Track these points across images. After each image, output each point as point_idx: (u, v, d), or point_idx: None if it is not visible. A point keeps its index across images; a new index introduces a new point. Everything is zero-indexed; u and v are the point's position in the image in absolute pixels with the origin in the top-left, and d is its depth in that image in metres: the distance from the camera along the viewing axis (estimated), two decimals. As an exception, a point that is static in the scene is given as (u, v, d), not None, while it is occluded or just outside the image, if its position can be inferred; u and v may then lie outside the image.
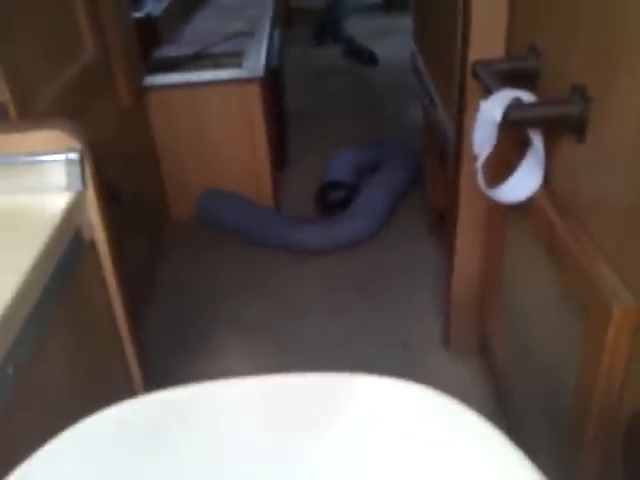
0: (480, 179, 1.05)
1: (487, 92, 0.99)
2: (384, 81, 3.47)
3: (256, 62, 2.09)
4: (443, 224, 1.78)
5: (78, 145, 0.94)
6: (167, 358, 1.61)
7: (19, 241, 0.83)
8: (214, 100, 2.06)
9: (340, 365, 1.66)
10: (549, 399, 1.06)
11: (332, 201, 2.23)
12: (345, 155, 2.42)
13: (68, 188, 0.94)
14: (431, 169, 2.05)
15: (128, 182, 1.74)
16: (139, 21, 2.26)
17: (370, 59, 3.71)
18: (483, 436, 0.60)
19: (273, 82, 2.32)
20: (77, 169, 0.94)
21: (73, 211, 0.92)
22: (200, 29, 2.71)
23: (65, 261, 0.89)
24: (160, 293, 1.89)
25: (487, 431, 0.60)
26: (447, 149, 1.49)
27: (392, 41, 3.84)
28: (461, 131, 1.25)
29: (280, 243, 2.06)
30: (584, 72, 0.85)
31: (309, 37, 4.12)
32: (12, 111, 1.13)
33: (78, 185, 0.94)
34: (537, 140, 0.94)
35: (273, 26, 2.60)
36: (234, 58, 2.17)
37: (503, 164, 1.08)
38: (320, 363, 1.57)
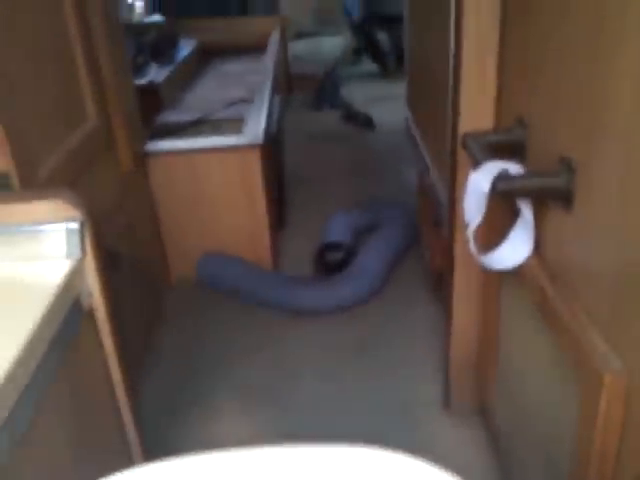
0: (472, 246, 1.07)
1: (476, 163, 1.02)
2: (381, 145, 3.56)
3: (256, 129, 2.16)
4: (441, 285, 1.80)
5: (78, 214, 0.96)
6: (165, 423, 1.59)
7: (19, 309, 0.84)
8: (214, 166, 2.12)
9: (339, 429, 1.65)
10: (549, 463, 1.05)
11: (331, 262, 2.26)
12: (343, 217, 2.46)
13: (68, 256, 0.96)
14: (427, 231, 2.08)
15: (128, 246, 1.77)
16: (142, 88, 2.34)
17: (367, 123, 3.82)
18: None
19: (273, 147, 2.38)
20: (77, 238, 0.96)
21: (72, 279, 0.94)
22: (201, 96, 2.81)
23: (64, 329, 0.89)
24: (159, 357, 1.88)
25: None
26: (441, 214, 1.52)
27: (388, 106, 3.97)
28: (454, 199, 1.28)
29: (279, 304, 2.07)
30: (569, 144, 0.88)
31: (308, 102, 4.25)
32: (15, 180, 1.16)
33: (77, 253, 0.96)
34: (526, 209, 0.97)
35: (273, 92, 2.69)
36: (235, 124, 2.24)
37: (494, 232, 1.10)
38: (319, 427, 1.57)
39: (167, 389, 1.74)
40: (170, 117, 2.44)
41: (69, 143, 1.43)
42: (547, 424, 1.04)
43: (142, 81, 2.49)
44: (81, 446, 0.96)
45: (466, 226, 1.08)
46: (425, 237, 2.15)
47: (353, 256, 2.22)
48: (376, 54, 4.78)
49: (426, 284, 2.13)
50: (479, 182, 0.96)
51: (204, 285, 2.21)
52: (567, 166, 0.88)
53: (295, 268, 2.31)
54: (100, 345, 1.06)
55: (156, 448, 1.41)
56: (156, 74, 2.69)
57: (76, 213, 0.96)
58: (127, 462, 1.14)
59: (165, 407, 1.66)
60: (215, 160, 2.11)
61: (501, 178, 0.93)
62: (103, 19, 1.63)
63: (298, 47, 4.85)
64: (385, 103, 4.09)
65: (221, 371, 1.80)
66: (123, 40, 1.86)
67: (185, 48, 3.28)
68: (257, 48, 3.53)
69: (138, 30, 3.04)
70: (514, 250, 1.00)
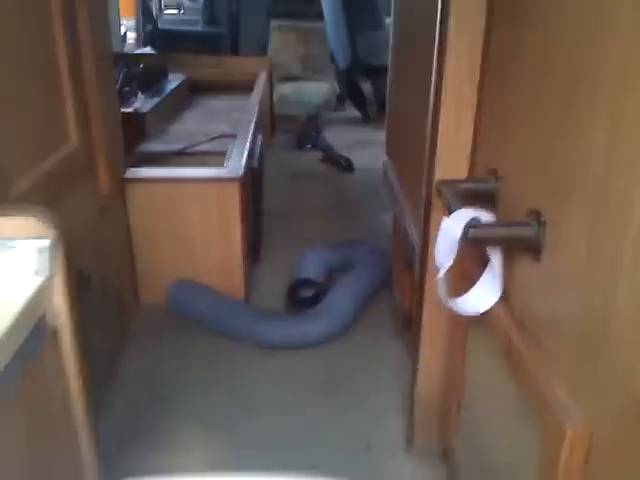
0: (441, 291, 1.08)
1: (449, 210, 1.05)
2: (358, 187, 3.62)
3: (237, 163, 2.18)
4: (409, 326, 1.81)
5: (50, 233, 0.95)
6: (124, 452, 1.54)
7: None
8: (193, 196, 2.13)
9: (300, 466, 1.62)
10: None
11: (302, 298, 2.26)
12: (317, 254, 2.48)
13: (36, 274, 0.95)
14: (399, 273, 2.10)
15: (100, 268, 1.75)
16: (127, 115, 2.36)
17: (347, 166, 3.89)
18: None
19: (252, 182, 2.40)
20: (47, 256, 0.95)
21: (39, 297, 0.92)
22: (186, 128, 2.84)
23: (26, 346, 0.87)
24: (123, 382, 1.84)
25: None
26: (413, 258, 1.54)
27: (368, 151, 4.05)
28: (426, 242, 1.31)
29: (247, 336, 2.05)
30: (539, 198, 0.91)
31: (291, 142, 4.32)
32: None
33: (46, 272, 0.95)
34: (495, 257, 0.99)
35: (256, 130, 2.73)
36: (217, 158, 2.27)
37: (464, 277, 1.12)
38: (280, 462, 1.54)
39: (126, 416, 1.70)
40: (153, 146, 2.45)
41: (48, 162, 1.43)
42: (508, 470, 1.04)
43: (128, 109, 2.52)
44: (36, 468, 0.93)
45: (436, 270, 1.10)
46: (397, 279, 2.17)
47: (324, 294, 2.22)
48: (359, 101, 4.90)
49: (395, 326, 2.15)
50: (451, 228, 0.99)
51: (174, 312, 2.19)
52: (536, 218, 0.90)
53: (267, 302, 2.31)
54: (62, 366, 1.03)
55: (109, 475, 1.38)
56: (142, 104, 2.72)
57: (48, 231, 0.96)
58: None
59: (122, 435, 1.61)
60: (194, 190, 2.12)
61: (472, 225, 0.96)
62: (92, 41, 1.66)
63: (284, 89, 4.96)
64: (365, 148, 4.18)
65: (183, 401, 1.77)
66: (112, 64, 1.88)
67: (174, 81, 3.33)
68: (244, 87, 3.60)
69: (128, 60, 3.08)
70: (482, 296, 1.02)
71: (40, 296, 0.93)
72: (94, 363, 1.60)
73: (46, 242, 0.94)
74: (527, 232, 0.92)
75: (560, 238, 0.85)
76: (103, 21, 1.81)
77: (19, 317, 0.85)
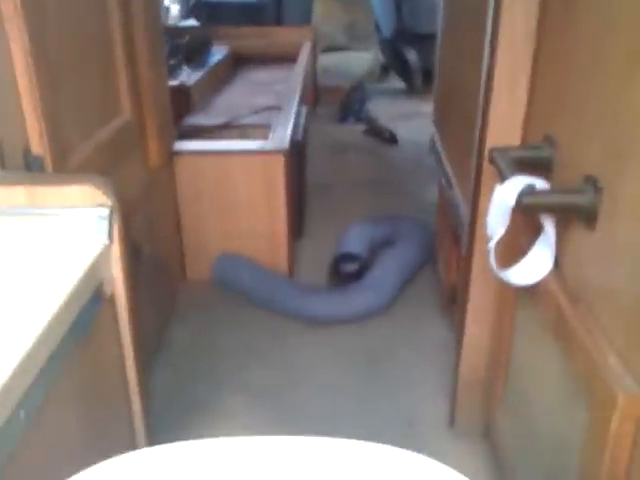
0: (492, 260, 1.07)
1: (502, 177, 1.03)
2: (402, 160, 3.57)
3: (282, 135, 2.18)
4: (454, 302, 1.79)
5: (108, 201, 0.98)
6: (170, 419, 1.59)
7: (45, 289, 0.86)
8: (239, 169, 2.15)
9: (340, 436, 1.63)
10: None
11: (345, 273, 2.26)
12: (360, 229, 2.47)
13: (95, 242, 0.98)
14: (444, 247, 2.08)
15: (149, 240, 1.79)
16: (173, 88, 2.39)
17: (390, 138, 3.84)
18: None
19: (296, 155, 2.41)
20: (105, 224, 0.98)
21: (97, 264, 0.95)
22: (230, 101, 2.85)
23: (85, 313, 0.91)
24: (169, 353, 1.89)
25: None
26: (461, 229, 1.52)
27: (412, 123, 3.98)
28: (476, 212, 1.29)
29: (291, 311, 2.07)
30: (596, 164, 0.89)
31: (334, 114, 4.28)
32: (49, 164, 1.20)
33: (105, 240, 0.98)
34: (549, 226, 0.97)
35: (300, 102, 2.73)
36: (261, 130, 2.27)
37: (515, 247, 1.11)
38: (322, 434, 1.56)
39: (175, 386, 1.75)
40: (199, 119, 2.48)
41: (102, 134, 1.46)
42: (555, 446, 1.04)
43: (174, 82, 2.54)
44: (90, 430, 0.98)
45: (488, 239, 1.09)
46: (441, 253, 2.15)
47: (368, 269, 2.22)
48: (404, 71, 4.81)
49: (439, 301, 2.13)
50: (504, 196, 0.97)
51: (219, 285, 2.22)
52: (593, 185, 0.88)
53: (311, 276, 2.32)
54: (118, 333, 1.07)
55: (159, 442, 1.44)
56: (188, 76, 2.74)
57: (106, 200, 0.99)
58: (132, 448, 1.15)
59: (171, 404, 1.67)
60: (240, 163, 2.14)
61: (526, 193, 0.94)
62: (144, 14, 1.67)
63: (328, 60, 4.90)
64: (410, 120, 4.11)
65: (229, 372, 1.81)
66: (162, 38, 1.90)
67: (217, 54, 3.34)
68: (287, 58, 3.58)
69: (173, 33, 3.11)
70: (534, 266, 1.01)
71: (99, 263, 0.96)
72: (143, 333, 1.65)
73: (105, 210, 0.97)
74: (582, 199, 0.90)
75: (616, 206, 0.83)
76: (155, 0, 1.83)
77: (78, 284, 0.88)
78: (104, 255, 0.98)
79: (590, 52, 0.91)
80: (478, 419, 1.52)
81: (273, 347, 1.94)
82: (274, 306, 2.10)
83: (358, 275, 2.21)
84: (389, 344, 1.95)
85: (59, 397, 0.85)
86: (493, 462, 1.44)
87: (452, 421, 1.57)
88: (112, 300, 1.05)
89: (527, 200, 0.93)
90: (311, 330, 2.02)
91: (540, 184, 0.97)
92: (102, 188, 0.98)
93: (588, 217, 0.89)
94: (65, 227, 0.99)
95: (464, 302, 1.42)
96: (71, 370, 0.89)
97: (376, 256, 2.32)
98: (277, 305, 2.10)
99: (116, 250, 1.01)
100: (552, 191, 0.98)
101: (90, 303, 0.94)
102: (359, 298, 2.09)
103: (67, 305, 0.84)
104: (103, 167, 1.43)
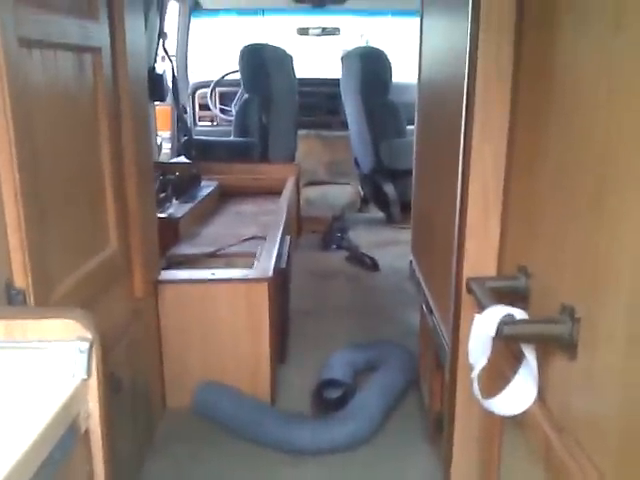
0: (476, 390, 1.06)
1: (481, 307, 1.05)
2: (384, 286, 3.63)
3: (266, 264, 2.23)
4: (440, 429, 1.74)
5: (89, 335, 0.98)
6: None
7: (19, 424, 0.83)
8: (224, 297, 2.16)
9: None
10: None
11: (328, 400, 2.20)
12: (343, 354, 2.45)
13: (73, 376, 0.96)
14: (428, 373, 2.05)
15: (130, 370, 1.75)
16: (162, 220, 2.47)
17: (372, 265, 3.93)
18: None
19: (280, 282, 2.44)
20: (85, 358, 0.97)
21: (74, 399, 0.93)
22: (218, 231, 2.94)
23: (58, 449, 0.87)
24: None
25: None
26: (443, 355, 1.52)
27: (393, 251, 4.10)
28: (457, 341, 1.30)
29: (273, 442, 1.99)
30: (572, 293, 0.91)
31: (317, 243, 4.40)
32: (31, 297, 1.20)
33: (83, 374, 0.96)
34: (530, 355, 0.98)
35: (284, 232, 2.81)
36: (247, 259, 2.32)
37: (498, 376, 1.10)
38: None
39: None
40: (186, 249, 2.53)
41: (88, 265, 1.48)
42: None
43: (163, 215, 2.63)
44: None
45: (470, 369, 1.09)
46: (425, 379, 2.12)
47: (352, 395, 2.17)
48: (383, 203, 5.03)
49: (424, 428, 2.07)
50: (484, 325, 0.99)
51: (200, 414, 2.15)
52: (570, 314, 0.90)
53: (294, 402, 2.26)
54: (91, 470, 1.02)
55: None
56: (176, 209, 2.84)
57: (87, 333, 0.98)
58: None
59: None
60: (225, 291, 2.16)
61: (506, 322, 0.96)
62: (135, 155, 1.77)
63: (311, 193, 5.14)
64: (390, 248, 4.24)
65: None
66: (152, 174, 1.99)
67: (206, 188, 3.49)
68: (272, 192, 3.75)
69: (164, 168, 3.26)
70: (518, 395, 1.00)
71: (76, 398, 0.94)
72: (119, 466, 1.56)
73: (84, 344, 0.97)
74: (561, 329, 0.91)
75: (595, 334, 0.84)
76: (145, 135, 1.94)
77: (54, 419, 0.85)
78: (81, 390, 0.96)
79: (562, 183, 0.96)
80: None
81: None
82: (255, 437, 2.02)
83: (342, 401, 2.15)
84: (375, 475, 1.88)
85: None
86: None
87: None
88: (87, 436, 1.00)
89: (507, 330, 0.95)
90: (293, 462, 1.93)
91: (518, 314, 0.99)
92: (84, 322, 0.98)
93: (568, 346, 0.90)
94: (43, 361, 0.97)
95: (450, 430, 1.38)
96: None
97: (360, 382, 2.28)
98: (258, 436, 2.02)
99: (94, 385, 0.99)
100: (531, 321, 1.00)
101: (64, 439, 0.90)
102: (343, 427, 2.03)
103: (40, 441, 0.81)
104: (87, 298, 1.44)
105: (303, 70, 5.15)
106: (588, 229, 0.86)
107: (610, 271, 0.80)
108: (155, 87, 3.60)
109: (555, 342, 0.94)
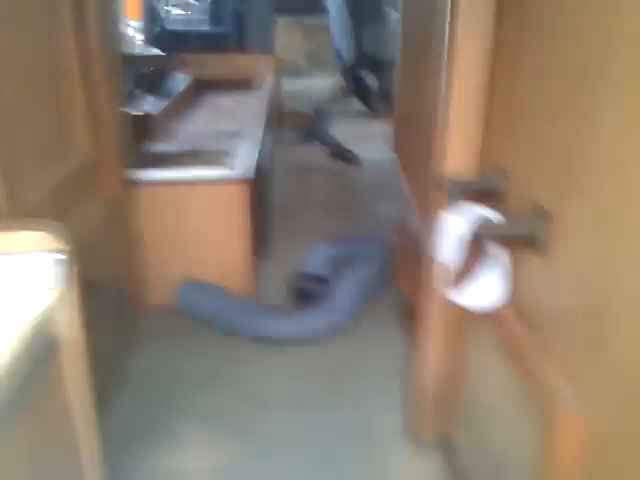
0: (448, 284, 1.09)
1: (455, 206, 1.05)
2: (366, 181, 3.63)
3: (248, 163, 2.19)
4: (413, 320, 1.82)
5: (63, 246, 0.97)
6: (129, 449, 1.58)
7: (-4, 337, 0.84)
8: (202, 196, 2.14)
9: (300, 456, 1.66)
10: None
11: (306, 292, 2.27)
12: (322, 248, 2.50)
13: (50, 287, 0.96)
14: (403, 266, 2.11)
15: (110, 272, 1.77)
16: (137, 117, 2.38)
17: (354, 160, 3.89)
18: None
19: (261, 180, 2.41)
20: (60, 270, 0.96)
21: (51, 310, 0.94)
22: (194, 128, 2.85)
23: (37, 358, 0.89)
24: (131, 382, 1.87)
25: None
26: (419, 250, 1.55)
27: (375, 145, 4.05)
28: (432, 237, 1.31)
29: (252, 333, 2.09)
30: (546, 194, 0.92)
31: (298, 137, 4.32)
32: (3, 207, 1.17)
33: (59, 284, 0.97)
34: (502, 253, 0.99)
35: (265, 127, 2.74)
36: (225, 157, 2.27)
37: (470, 273, 1.13)
38: (279, 453, 1.56)
39: (135, 417, 1.73)
40: (163, 147, 2.47)
41: (61, 171, 1.44)
42: (509, 462, 1.05)
43: (138, 112, 2.53)
44: (39, 474, 0.95)
45: (442, 265, 1.11)
46: (401, 272, 2.18)
47: (328, 288, 2.24)
48: (364, 95, 4.89)
49: (399, 320, 2.16)
50: (458, 226, 0.99)
51: (183, 313, 2.21)
52: (543, 215, 0.90)
53: (275, 297, 2.33)
54: (69, 377, 1.05)
55: (119, 476, 1.43)
56: (152, 106, 2.73)
57: (61, 244, 0.97)
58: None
59: (132, 435, 1.65)
60: (204, 191, 2.13)
61: (480, 223, 0.96)
62: (102, 46, 1.66)
63: (290, 85, 4.96)
64: (372, 141, 4.18)
65: (190, 400, 1.80)
66: (120, 69, 1.88)
67: (181, 82, 3.34)
68: (250, 84, 3.60)
69: (138, 62, 3.10)
70: (489, 291, 1.02)
71: (53, 309, 0.95)
72: (105, 365, 1.62)
73: (60, 256, 0.96)
74: (534, 229, 0.92)
75: (566, 233, 0.85)
76: (111, 23, 1.81)
77: (31, 331, 0.86)
78: (58, 300, 0.97)
79: (536, 84, 0.94)
80: (435, 433, 1.56)
81: (232, 371, 1.95)
82: (236, 330, 2.10)
83: (319, 294, 2.23)
84: (349, 362, 1.99)
85: (9, 442, 0.83)
86: (449, 474, 1.49)
87: (409, 435, 1.61)
88: (64, 344, 1.03)
89: (480, 230, 0.95)
90: (270, 351, 2.04)
91: (492, 214, 1.00)
92: (56, 233, 0.97)
93: (539, 244, 0.92)
94: (18, 273, 0.97)
95: (421, 319, 1.44)
96: (23, 415, 0.87)
97: (337, 275, 2.34)
98: (238, 328, 2.11)
99: (70, 295, 1.00)
100: (504, 221, 1.00)
101: (43, 349, 0.92)
102: (319, 318, 2.11)
103: (20, 351, 0.82)
104: (60, 203, 1.41)
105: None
106: (561, 130, 0.85)
107: (583, 174, 0.79)
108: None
109: (528, 242, 0.95)
